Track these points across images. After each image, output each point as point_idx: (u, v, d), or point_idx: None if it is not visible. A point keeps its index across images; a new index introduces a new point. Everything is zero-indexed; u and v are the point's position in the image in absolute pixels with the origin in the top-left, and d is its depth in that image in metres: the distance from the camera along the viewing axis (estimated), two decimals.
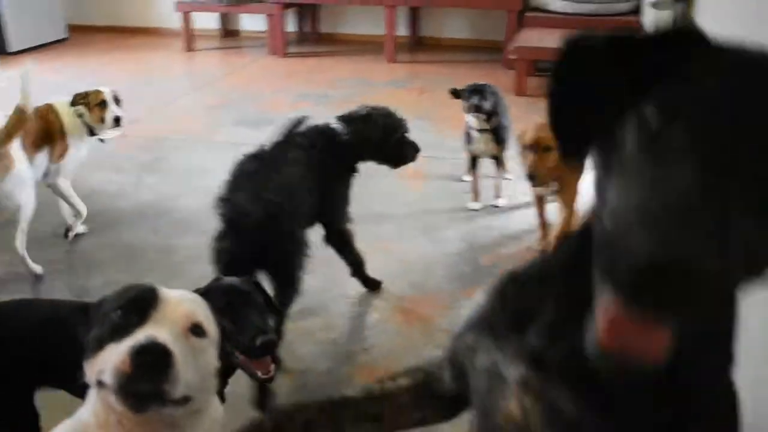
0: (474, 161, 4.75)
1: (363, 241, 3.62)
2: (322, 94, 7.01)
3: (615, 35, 0.88)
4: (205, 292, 2.20)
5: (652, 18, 4.95)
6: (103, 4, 10.52)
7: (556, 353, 0.91)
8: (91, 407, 1.25)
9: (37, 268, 3.80)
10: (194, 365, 1.18)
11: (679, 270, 0.65)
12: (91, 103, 4.14)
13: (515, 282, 1.05)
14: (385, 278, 3.86)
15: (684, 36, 0.83)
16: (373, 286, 3.78)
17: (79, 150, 4.22)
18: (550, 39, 6.68)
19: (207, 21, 9.98)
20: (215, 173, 5.61)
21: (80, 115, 4.13)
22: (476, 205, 4.74)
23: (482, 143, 4.59)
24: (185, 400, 1.17)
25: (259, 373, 2.16)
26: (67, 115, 4.10)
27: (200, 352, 1.22)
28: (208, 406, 1.29)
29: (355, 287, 3.74)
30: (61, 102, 4.15)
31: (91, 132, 4.20)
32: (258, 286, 2.39)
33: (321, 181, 3.21)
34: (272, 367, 2.19)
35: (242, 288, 2.27)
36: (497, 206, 4.77)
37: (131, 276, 3.78)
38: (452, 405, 1.20)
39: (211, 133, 6.30)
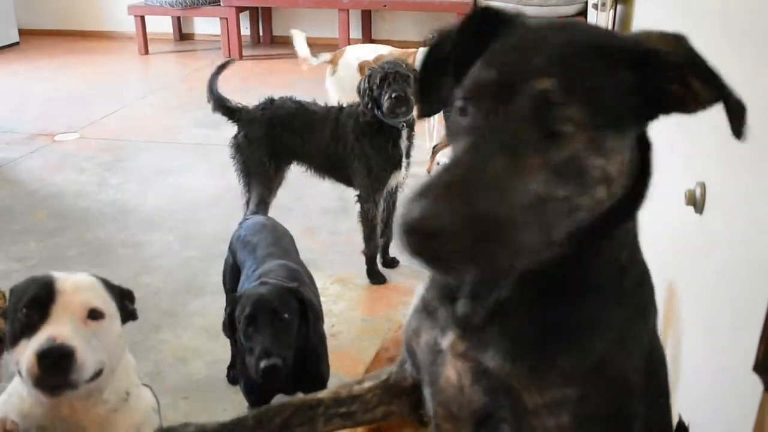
0: None
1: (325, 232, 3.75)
2: (280, 95, 7.11)
3: (462, 20, 1.05)
4: (239, 298, 2.35)
5: (595, 20, 5.20)
6: (55, 9, 10.44)
7: (478, 316, 1.05)
8: (20, 382, 1.44)
9: None
10: (97, 345, 1.37)
11: (420, 230, 0.79)
12: None
13: None
14: (350, 269, 4.03)
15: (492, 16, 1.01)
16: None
17: None
18: None
19: (161, 24, 9.99)
20: (178, 173, 5.77)
21: None
22: None
23: None
24: (96, 374, 1.38)
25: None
26: None
27: (101, 332, 1.41)
28: (122, 359, 1.50)
29: (323, 277, 3.90)
30: None
31: None
32: (298, 297, 2.38)
33: None
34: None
35: (270, 302, 2.28)
36: None
37: (102, 271, 3.88)
38: (415, 400, 1.32)
39: (171, 134, 6.38)
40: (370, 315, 3.76)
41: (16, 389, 1.45)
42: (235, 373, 3.20)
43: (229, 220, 2.97)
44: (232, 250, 3.01)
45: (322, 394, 1.34)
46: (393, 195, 4.15)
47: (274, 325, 2.25)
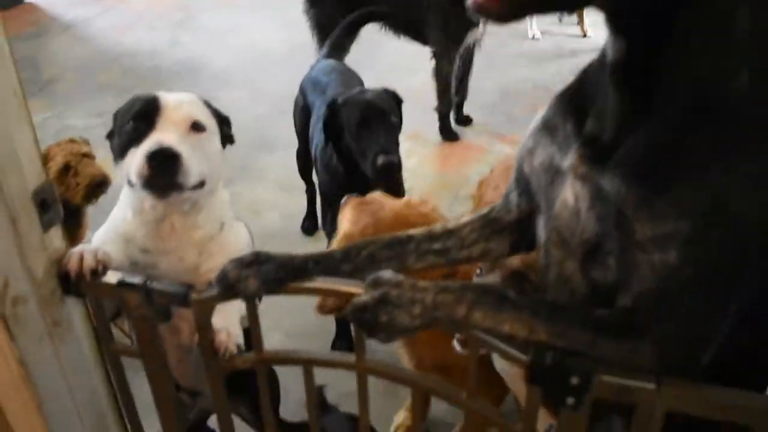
0: None
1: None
2: None
3: None
4: (344, 104, 2.40)
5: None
6: None
7: (606, 135, 0.99)
8: (125, 204, 1.49)
9: None
10: (200, 156, 1.41)
11: None
12: None
13: (569, 88, 1.14)
14: (422, 126, 3.97)
15: None
16: None
17: None
18: None
19: None
20: (249, 30, 5.73)
21: None
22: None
23: None
24: (201, 184, 1.42)
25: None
26: None
27: (204, 144, 1.44)
28: (218, 187, 1.54)
29: None
30: None
31: None
32: (397, 100, 2.49)
33: None
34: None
35: (378, 105, 2.38)
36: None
37: None
38: (516, 237, 1.28)
39: None
40: (442, 171, 3.72)
41: (119, 214, 1.50)
42: (308, 225, 3.26)
43: (300, 76, 2.92)
44: (302, 92, 2.96)
45: (414, 231, 1.30)
46: (470, 52, 4.01)
47: (385, 126, 2.36)
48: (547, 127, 1.11)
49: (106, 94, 4.39)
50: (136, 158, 1.36)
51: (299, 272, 1.17)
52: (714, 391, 0.95)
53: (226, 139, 1.58)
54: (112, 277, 1.22)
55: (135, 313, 1.22)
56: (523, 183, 1.20)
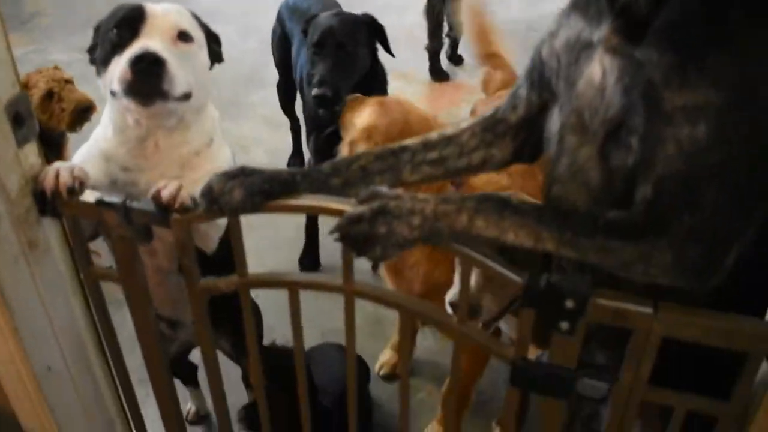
0: None
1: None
2: None
3: None
4: (313, 23, 2.32)
5: None
6: None
7: (640, 5, 0.91)
8: (108, 121, 1.42)
9: None
10: (187, 67, 1.34)
11: None
12: None
13: None
14: (412, 65, 3.89)
15: None
16: None
17: None
18: None
19: None
20: None
21: None
22: None
23: None
24: (186, 96, 1.35)
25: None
26: None
27: (190, 55, 1.38)
28: (206, 104, 1.47)
29: None
30: None
31: None
32: (373, 28, 2.38)
33: None
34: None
35: (336, 32, 2.28)
36: None
37: None
38: (519, 141, 1.20)
39: None
40: (432, 111, 3.65)
41: (101, 133, 1.43)
42: (294, 162, 3.20)
43: None
44: (279, 19, 2.86)
45: (408, 141, 1.21)
46: None
47: (337, 56, 2.26)
48: (577, 6, 1.05)
49: (89, 29, 4.24)
50: (119, 65, 1.29)
51: (286, 185, 1.11)
52: (712, 316, 0.92)
53: (215, 56, 1.51)
54: (90, 197, 1.17)
55: (114, 234, 1.17)
56: (536, 73, 1.13)
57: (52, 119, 2.32)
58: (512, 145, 1.21)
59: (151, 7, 1.37)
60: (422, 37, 3.94)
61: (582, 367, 1.01)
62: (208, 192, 1.08)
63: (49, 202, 1.15)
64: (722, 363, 0.97)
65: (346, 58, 2.28)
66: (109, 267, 1.32)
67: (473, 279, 1.21)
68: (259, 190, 1.09)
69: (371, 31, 2.36)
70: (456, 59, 4.09)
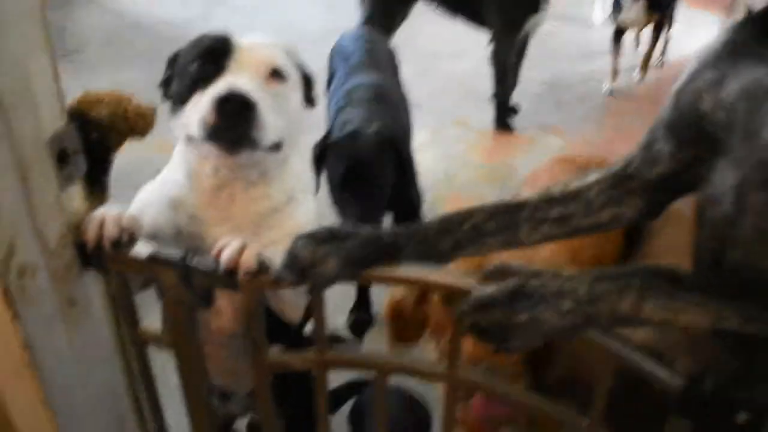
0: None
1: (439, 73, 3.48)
2: None
3: None
4: (331, 146, 2.04)
5: None
6: None
7: None
8: (180, 164, 1.23)
9: None
10: (278, 110, 1.15)
11: None
12: None
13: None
14: (466, 113, 3.74)
15: None
16: None
17: None
18: None
19: None
20: (287, 7, 5.52)
21: None
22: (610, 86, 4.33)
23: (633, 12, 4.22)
24: (277, 146, 1.16)
25: None
26: None
27: (283, 97, 1.18)
28: (293, 154, 1.26)
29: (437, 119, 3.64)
30: None
31: None
32: (394, 147, 2.06)
33: None
34: None
35: (367, 165, 1.99)
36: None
37: None
38: (651, 199, 1.04)
39: None
40: (488, 161, 3.49)
41: (170, 176, 1.24)
42: None
43: None
44: (330, 63, 2.69)
45: (528, 195, 1.04)
46: (525, 39, 3.72)
47: (368, 189, 1.99)
48: (737, 53, 0.89)
49: (133, 66, 4.17)
50: (201, 104, 1.10)
51: (389, 250, 0.92)
52: None
53: (309, 100, 1.30)
54: (143, 248, 0.99)
55: (169, 295, 0.99)
56: (685, 128, 0.96)
57: (124, 123, 2.16)
58: (642, 203, 1.03)
59: (239, 39, 1.18)
60: (474, 84, 3.80)
61: None
62: (293, 261, 0.89)
63: (93, 256, 0.98)
64: None
65: (377, 191, 2.02)
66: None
67: None
68: (358, 256, 0.89)
69: (396, 151, 2.07)
70: (510, 109, 3.92)
